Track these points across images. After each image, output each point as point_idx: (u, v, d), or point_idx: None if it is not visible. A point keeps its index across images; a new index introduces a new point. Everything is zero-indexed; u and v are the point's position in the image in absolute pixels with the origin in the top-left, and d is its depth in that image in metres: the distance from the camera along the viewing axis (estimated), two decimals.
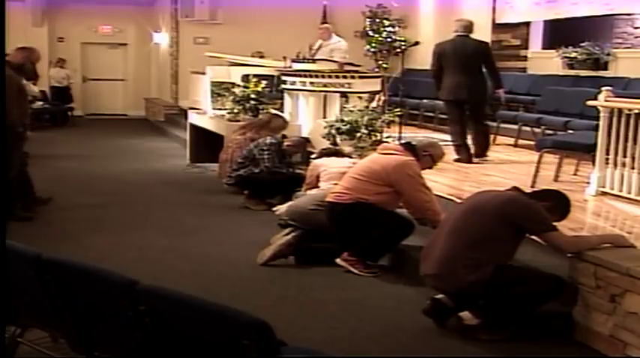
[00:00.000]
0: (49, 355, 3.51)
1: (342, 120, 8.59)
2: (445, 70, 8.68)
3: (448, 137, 8.90)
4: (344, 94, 9.53)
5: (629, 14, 12.17)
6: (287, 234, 5.97)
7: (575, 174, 7.64)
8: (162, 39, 18.23)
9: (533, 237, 4.56)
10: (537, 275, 4.40)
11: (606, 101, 6.45)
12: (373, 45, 15.32)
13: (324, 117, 9.44)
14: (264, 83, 10.20)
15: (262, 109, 9.91)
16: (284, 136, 8.51)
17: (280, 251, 5.83)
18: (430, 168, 5.94)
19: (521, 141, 10.15)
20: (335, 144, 8.42)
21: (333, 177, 6.51)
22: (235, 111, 10.04)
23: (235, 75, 11.05)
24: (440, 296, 4.51)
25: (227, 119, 10.11)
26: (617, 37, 12.80)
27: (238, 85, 10.48)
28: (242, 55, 12.30)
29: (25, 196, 7.34)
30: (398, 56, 12.45)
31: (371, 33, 15.44)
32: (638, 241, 4.71)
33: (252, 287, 5.30)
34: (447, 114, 9.20)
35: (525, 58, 13.28)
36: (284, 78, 10.27)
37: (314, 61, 10.44)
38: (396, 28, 15.37)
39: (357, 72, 9.78)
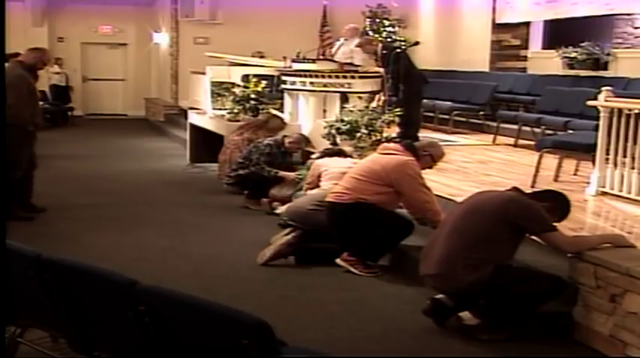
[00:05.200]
0: (49, 355, 3.51)
1: (342, 120, 8.59)
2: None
3: (448, 137, 8.93)
4: (344, 94, 9.54)
5: (629, 14, 12.16)
6: (287, 234, 5.97)
7: (575, 174, 7.64)
8: (162, 39, 18.23)
9: (533, 237, 4.56)
10: (537, 275, 4.40)
11: (606, 101, 6.45)
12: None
13: (324, 117, 9.44)
14: (264, 83, 10.20)
15: (262, 109, 9.91)
16: (285, 136, 8.50)
17: (280, 251, 5.82)
18: (430, 168, 5.94)
19: (521, 141, 10.14)
20: (335, 144, 8.41)
21: (335, 177, 6.51)
22: (235, 111, 10.04)
23: (235, 75, 11.05)
24: (440, 296, 4.51)
25: (227, 119, 10.11)
26: (617, 37, 12.79)
27: (238, 85, 10.48)
28: (242, 55, 12.30)
29: (22, 199, 7.33)
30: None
31: (371, 33, 15.43)
32: (638, 241, 4.71)
33: (252, 287, 5.29)
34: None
35: (525, 58, 13.29)
36: (284, 78, 10.27)
37: (314, 60, 10.45)
38: (396, 28, 15.35)
39: (357, 72, 9.78)
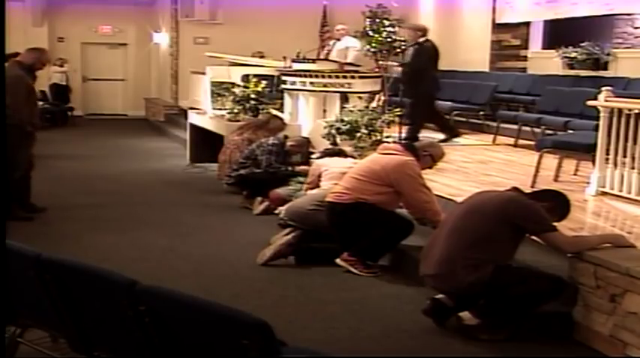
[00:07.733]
0: (49, 355, 3.51)
1: (342, 120, 8.59)
2: (434, 70, 9.93)
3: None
4: (344, 94, 9.54)
5: (629, 14, 12.17)
6: (287, 234, 5.97)
7: (575, 174, 7.64)
8: (162, 39, 18.23)
9: (533, 237, 4.56)
10: (537, 275, 4.40)
11: (606, 101, 6.45)
12: (373, 45, 15.28)
13: (324, 117, 9.44)
14: (264, 83, 10.19)
15: (262, 109, 9.91)
16: (286, 137, 8.51)
17: (280, 251, 5.83)
18: (430, 168, 5.94)
19: (521, 141, 10.14)
20: (335, 144, 8.42)
21: (335, 177, 6.51)
22: (235, 111, 10.03)
23: (235, 75, 11.05)
24: (440, 296, 4.51)
25: (227, 119, 10.11)
26: (617, 37, 12.80)
27: (238, 85, 10.48)
28: (242, 55, 12.30)
29: (22, 200, 7.33)
30: (398, 56, 12.50)
31: (371, 33, 15.40)
32: (638, 241, 4.71)
33: (252, 287, 5.29)
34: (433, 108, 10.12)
35: (525, 58, 13.28)
36: (284, 78, 10.27)
37: (314, 60, 10.46)
38: (396, 28, 15.35)
39: (357, 72, 9.78)
